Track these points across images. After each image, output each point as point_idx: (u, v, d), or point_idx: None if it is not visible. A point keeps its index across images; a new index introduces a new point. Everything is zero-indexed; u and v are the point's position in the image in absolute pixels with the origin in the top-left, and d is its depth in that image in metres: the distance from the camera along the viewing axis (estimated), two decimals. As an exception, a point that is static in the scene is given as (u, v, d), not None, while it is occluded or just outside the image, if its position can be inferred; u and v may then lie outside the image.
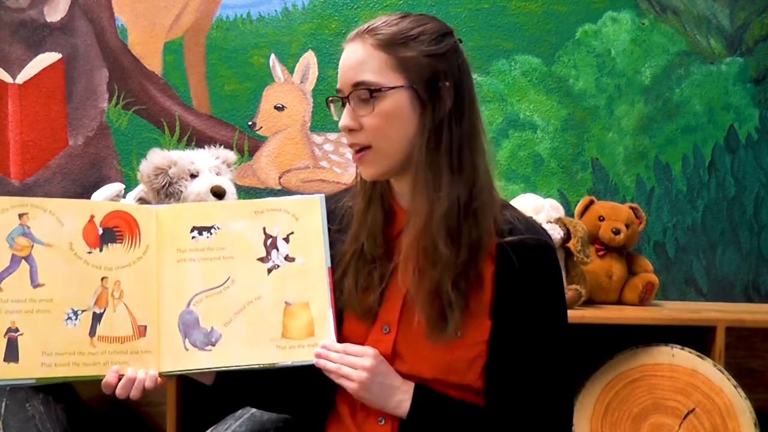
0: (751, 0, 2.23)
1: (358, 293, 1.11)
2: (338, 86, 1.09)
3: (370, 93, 1.04)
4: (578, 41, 2.23)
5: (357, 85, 1.05)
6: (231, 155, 1.82)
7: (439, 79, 1.05)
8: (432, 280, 1.05)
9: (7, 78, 2.17)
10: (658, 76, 2.23)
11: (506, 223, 1.11)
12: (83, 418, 1.82)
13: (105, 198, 1.76)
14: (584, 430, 1.75)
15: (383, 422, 1.09)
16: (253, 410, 1.38)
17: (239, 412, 1.41)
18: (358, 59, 1.05)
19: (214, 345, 1.09)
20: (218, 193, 1.68)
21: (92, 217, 1.11)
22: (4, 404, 1.63)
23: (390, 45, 1.04)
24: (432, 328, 1.06)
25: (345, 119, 1.07)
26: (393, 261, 1.12)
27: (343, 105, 1.08)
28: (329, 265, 1.13)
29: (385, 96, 1.04)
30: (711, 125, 2.23)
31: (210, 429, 1.40)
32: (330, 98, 1.12)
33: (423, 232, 1.05)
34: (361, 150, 1.08)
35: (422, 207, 1.06)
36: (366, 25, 1.07)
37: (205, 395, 1.15)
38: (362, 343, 1.09)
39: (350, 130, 1.07)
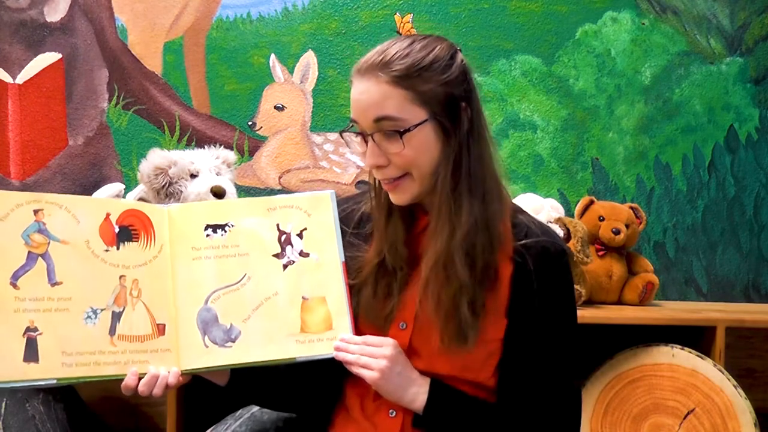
0: (751, 0, 2.23)
1: (376, 302, 1.12)
2: (355, 120, 1.09)
3: (399, 133, 1.04)
4: (578, 41, 2.23)
5: (380, 120, 1.05)
6: (231, 155, 1.82)
7: (457, 103, 1.07)
8: (450, 301, 1.06)
9: (7, 78, 2.17)
10: (658, 76, 2.23)
11: (522, 225, 1.14)
12: (83, 418, 1.82)
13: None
14: (584, 430, 1.75)
15: (394, 414, 1.10)
16: (254, 410, 1.38)
17: (239, 411, 1.41)
18: (377, 97, 1.05)
19: (233, 341, 1.09)
20: (218, 193, 1.68)
21: (108, 214, 1.10)
22: (4, 404, 1.63)
23: (406, 79, 1.04)
24: (449, 345, 1.07)
25: (373, 158, 1.08)
26: (414, 266, 1.13)
27: (365, 140, 1.09)
28: (343, 259, 1.14)
29: (413, 132, 1.05)
30: (711, 125, 2.23)
31: (210, 429, 1.40)
32: (344, 131, 1.12)
33: (443, 255, 1.07)
34: (396, 179, 1.09)
35: (443, 230, 1.07)
36: (378, 58, 1.06)
37: (205, 395, 1.15)
38: None
39: (378, 167, 1.08)
